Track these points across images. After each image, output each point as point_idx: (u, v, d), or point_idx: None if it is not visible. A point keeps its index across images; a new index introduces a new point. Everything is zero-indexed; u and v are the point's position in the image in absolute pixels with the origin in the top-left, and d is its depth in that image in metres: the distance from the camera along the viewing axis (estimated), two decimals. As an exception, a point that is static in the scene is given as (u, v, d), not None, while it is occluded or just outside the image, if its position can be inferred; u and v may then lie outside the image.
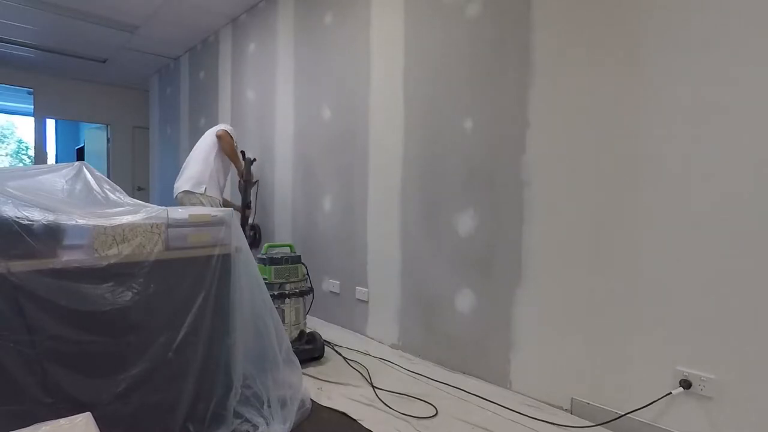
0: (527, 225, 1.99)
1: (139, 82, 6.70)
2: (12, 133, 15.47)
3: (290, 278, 2.41)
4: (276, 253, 2.46)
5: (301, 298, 2.44)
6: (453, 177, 2.31)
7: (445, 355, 2.36)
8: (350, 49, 2.95)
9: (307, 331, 2.46)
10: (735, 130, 1.43)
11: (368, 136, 2.81)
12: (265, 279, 2.05)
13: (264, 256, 2.40)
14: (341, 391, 2.04)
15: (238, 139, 3.69)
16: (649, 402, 1.60)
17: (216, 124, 4.48)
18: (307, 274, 2.53)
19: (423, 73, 2.47)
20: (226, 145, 3.51)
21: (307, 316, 2.55)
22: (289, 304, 2.37)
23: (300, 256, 2.51)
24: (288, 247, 2.57)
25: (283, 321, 2.30)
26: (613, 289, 1.71)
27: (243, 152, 3.90)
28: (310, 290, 2.50)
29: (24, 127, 14.57)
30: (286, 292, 2.36)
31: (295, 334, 2.39)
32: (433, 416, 1.82)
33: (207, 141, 3.54)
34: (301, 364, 1.85)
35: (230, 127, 3.65)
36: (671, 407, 1.57)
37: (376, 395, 1.99)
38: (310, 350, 2.35)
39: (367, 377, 2.18)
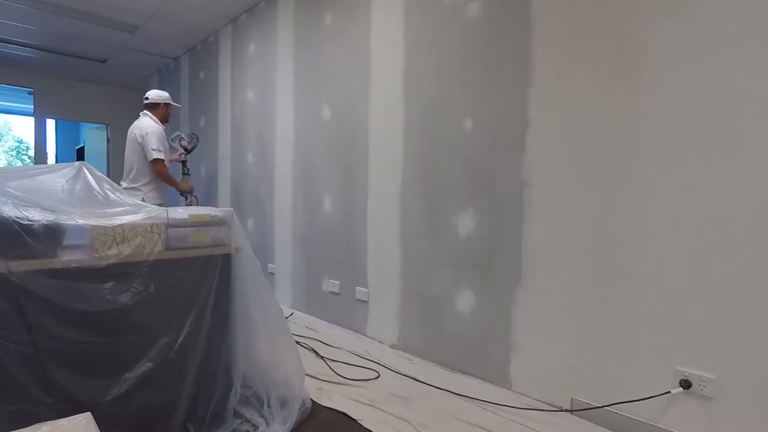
0: (527, 225, 1.99)
1: (139, 82, 6.70)
2: (9, 131, 15.56)
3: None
4: None
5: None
6: (453, 177, 2.31)
7: (445, 355, 2.35)
8: (350, 49, 2.95)
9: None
10: (737, 130, 1.43)
11: (368, 135, 2.81)
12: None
13: None
14: (341, 391, 2.04)
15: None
16: (649, 399, 1.60)
17: (214, 124, 4.48)
18: None
19: (423, 73, 2.47)
20: (161, 175, 3.48)
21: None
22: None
23: None
24: None
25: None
26: (613, 289, 1.71)
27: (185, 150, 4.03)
28: None
29: (20, 126, 14.65)
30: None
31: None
32: (432, 416, 1.82)
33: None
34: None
35: (158, 139, 3.45)
36: (671, 407, 1.57)
37: (376, 395, 1.99)
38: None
39: (367, 377, 2.18)
